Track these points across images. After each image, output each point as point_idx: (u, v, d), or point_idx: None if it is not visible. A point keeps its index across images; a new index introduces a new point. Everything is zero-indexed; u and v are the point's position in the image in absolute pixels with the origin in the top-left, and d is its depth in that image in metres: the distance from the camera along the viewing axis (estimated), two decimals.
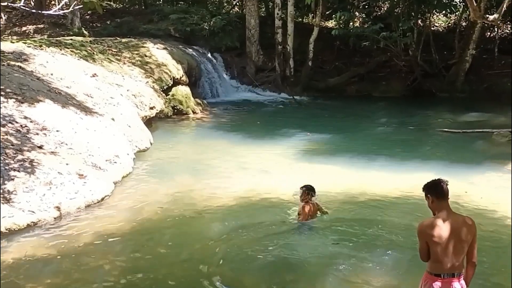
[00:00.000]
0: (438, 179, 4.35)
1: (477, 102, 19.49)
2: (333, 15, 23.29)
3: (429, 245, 4.19)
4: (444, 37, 24.32)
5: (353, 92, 22.71)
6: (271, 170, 10.70)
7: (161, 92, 15.66)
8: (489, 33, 24.12)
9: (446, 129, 15.01)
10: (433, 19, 25.08)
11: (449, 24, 25.84)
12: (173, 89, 16.84)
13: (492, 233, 7.35)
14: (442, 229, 4.16)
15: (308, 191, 7.79)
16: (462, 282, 4.26)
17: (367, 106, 20.15)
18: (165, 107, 15.64)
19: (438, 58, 22.46)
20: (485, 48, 23.17)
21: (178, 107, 16.46)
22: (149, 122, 13.77)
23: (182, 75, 17.69)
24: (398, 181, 9.81)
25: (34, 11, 15.78)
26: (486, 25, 21.95)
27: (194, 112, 16.93)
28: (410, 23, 20.98)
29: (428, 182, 4.38)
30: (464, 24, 24.33)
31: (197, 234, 7.55)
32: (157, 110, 14.47)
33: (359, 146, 13.24)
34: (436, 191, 4.29)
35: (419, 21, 22.97)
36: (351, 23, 24.06)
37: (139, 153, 11.24)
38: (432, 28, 24.18)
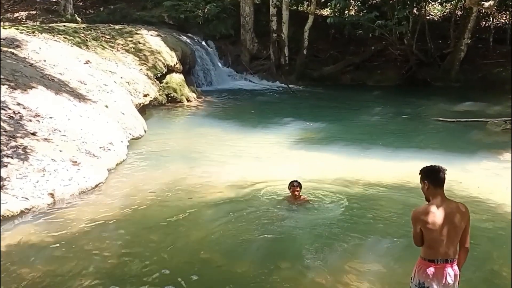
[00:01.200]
0: (437, 166, 4.34)
1: (471, 92, 19.53)
2: (328, 3, 23.22)
3: (423, 231, 4.21)
4: (439, 26, 24.31)
5: (348, 81, 22.72)
6: (265, 158, 10.71)
7: (155, 80, 15.60)
8: (484, 23, 24.14)
9: (440, 118, 15.05)
10: (428, 8, 25.06)
11: (445, 13, 25.82)
12: (167, 76, 16.79)
13: (486, 221, 7.40)
14: (436, 215, 4.18)
15: (291, 186, 7.98)
16: (455, 267, 4.30)
17: (362, 95, 20.19)
18: (159, 94, 15.59)
19: (433, 47, 22.48)
20: (480, 38, 23.22)
21: (172, 95, 16.41)
22: (143, 109, 13.72)
23: (176, 63, 17.61)
24: (392, 169, 9.85)
25: None
26: (481, 14, 21.99)
27: (188, 100, 16.88)
28: (405, 12, 20.94)
29: (426, 167, 4.38)
30: (459, 13, 24.32)
31: (191, 220, 7.54)
32: (151, 97, 14.42)
33: (353, 134, 13.26)
34: (433, 177, 4.29)
35: (415, 10, 22.97)
36: (346, 11, 23.99)
37: (133, 141, 11.21)
38: (428, 17, 24.19)
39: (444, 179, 4.28)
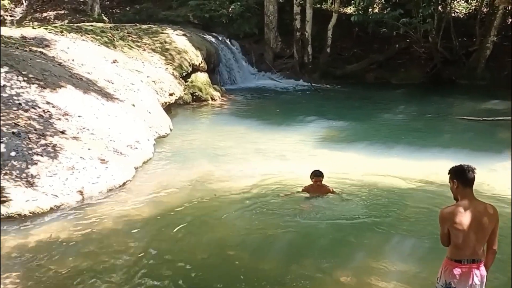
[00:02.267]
0: (467, 165, 4.31)
1: (497, 90, 19.24)
2: (352, 1, 23.10)
3: (450, 231, 4.20)
4: (464, 24, 24.00)
5: (372, 79, 22.59)
6: (289, 156, 10.75)
7: (181, 79, 15.76)
8: (510, 20, 23.73)
9: (466, 117, 14.90)
10: (453, 5, 24.75)
11: (470, 10, 25.47)
12: (192, 75, 16.94)
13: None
14: (464, 216, 4.17)
15: (314, 175, 8.09)
16: (482, 268, 4.28)
17: (386, 93, 20.05)
18: (185, 93, 15.74)
19: (459, 44, 22.21)
20: (506, 35, 22.81)
21: (197, 94, 16.54)
22: (168, 108, 13.88)
23: (201, 62, 17.75)
24: (417, 168, 9.80)
25: None
26: (507, 11, 21.65)
27: (212, 99, 17.00)
28: (430, 9, 20.69)
29: (456, 166, 4.36)
30: (485, 10, 23.97)
31: (216, 218, 7.63)
32: (176, 96, 14.57)
33: (377, 133, 13.21)
34: (463, 176, 4.26)
35: (440, 7, 22.67)
36: (370, 9, 23.83)
37: (159, 139, 11.37)
38: (453, 14, 23.87)
39: (473, 178, 4.26)
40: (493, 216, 4.25)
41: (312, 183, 8.16)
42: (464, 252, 4.21)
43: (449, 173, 4.37)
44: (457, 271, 4.23)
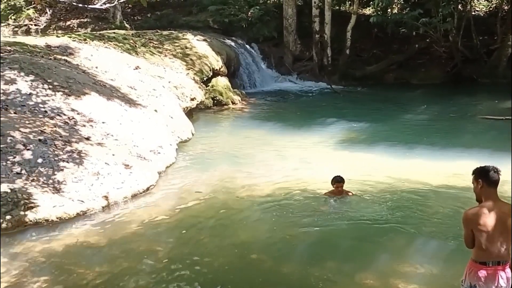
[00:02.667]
0: (492, 166, 4.30)
1: None
2: (371, 2, 22.96)
3: (474, 233, 4.19)
4: (485, 22, 23.69)
5: (392, 80, 22.45)
6: (310, 159, 10.76)
7: (201, 83, 15.90)
8: None
9: (488, 116, 14.74)
10: (473, 3, 24.48)
11: (490, 8, 25.16)
12: (213, 80, 17.07)
13: None
14: (488, 217, 4.15)
15: (335, 181, 8.16)
16: (508, 270, 4.26)
17: (406, 94, 19.92)
18: (205, 98, 15.87)
19: (479, 43, 21.94)
20: None
21: (218, 98, 16.65)
22: (190, 113, 14.02)
23: (222, 66, 17.88)
24: (439, 169, 9.74)
25: (79, 5, 16.14)
26: None
27: (233, 103, 17.10)
28: (450, 8, 20.47)
29: (481, 167, 4.34)
30: (506, 8, 23.67)
31: (239, 221, 7.71)
32: (197, 101, 14.71)
33: (398, 134, 13.13)
34: (487, 177, 4.24)
35: (459, 6, 22.45)
36: (389, 10, 23.70)
37: (181, 144, 11.49)
38: (473, 13, 23.62)
39: (498, 179, 4.25)
40: None
41: (333, 188, 8.21)
42: (489, 254, 4.19)
43: (473, 174, 4.36)
44: (482, 273, 4.21)
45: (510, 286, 4.29)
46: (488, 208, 4.19)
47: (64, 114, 9.58)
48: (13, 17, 23.70)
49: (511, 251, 4.29)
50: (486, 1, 25.22)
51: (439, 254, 6.35)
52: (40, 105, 9.53)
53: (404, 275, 5.95)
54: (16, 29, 23.11)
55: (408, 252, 6.54)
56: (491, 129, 13.66)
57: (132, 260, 6.44)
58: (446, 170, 9.60)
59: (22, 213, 7.19)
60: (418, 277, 5.90)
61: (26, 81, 10.03)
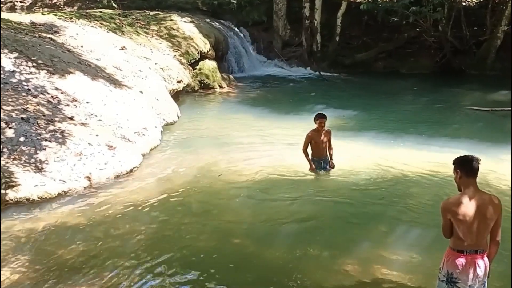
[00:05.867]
0: (471, 156, 4.32)
1: (508, 80, 19.00)
2: None
3: (453, 222, 4.19)
4: (475, 13, 23.70)
5: (381, 68, 22.47)
6: (296, 144, 10.65)
7: (188, 66, 15.76)
8: None
9: (475, 107, 14.81)
10: None
11: (481, 0, 25.18)
12: (200, 63, 16.93)
13: None
14: (468, 207, 4.16)
15: (318, 117, 8.54)
16: (486, 259, 4.28)
17: (395, 83, 19.96)
18: (192, 81, 15.75)
19: (469, 34, 21.98)
20: None
21: (205, 81, 16.55)
22: (176, 95, 13.90)
23: (209, 49, 17.73)
24: (425, 158, 9.76)
25: None
26: None
27: (220, 87, 17.00)
28: None
29: (460, 157, 4.35)
30: None
31: (223, 205, 7.68)
32: (184, 84, 14.58)
33: (385, 123, 13.15)
34: (466, 167, 4.25)
35: None
36: None
37: (167, 126, 11.40)
38: (463, 3, 23.60)
39: (477, 169, 4.25)
40: (497, 207, 4.23)
41: (317, 126, 8.43)
42: (467, 242, 4.20)
43: (453, 164, 4.36)
44: (459, 261, 4.22)
45: (487, 275, 4.32)
46: (467, 198, 4.19)
47: (48, 93, 9.45)
48: None
49: (488, 240, 4.29)
50: None
51: (420, 242, 6.37)
52: (24, 83, 9.38)
53: (385, 261, 5.97)
54: (1, 5, 22.67)
55: (390, 239, 6.56)
56: (478, 120, 13.74)
57: (113, 241, 6.39)
58: (431, 159, 9.62)
59: (2, 191, 7.11)
60: (398, 263, 5.92)
61: (9, 58, 9.87)
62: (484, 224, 4.20)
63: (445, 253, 4.36)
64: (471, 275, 4.24)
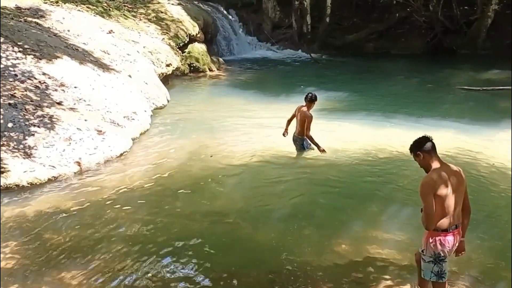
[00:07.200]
0: (422, 136, 4.33)
1: (499, 59, 19.06)
2: None
3: (436, 199, 4.09)
4: None
5: (371, 49, 22.43)
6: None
7: (177, 49, 15.63)
8: None
9: (466, 87, 14.84)
10: None
11: None
12: (189, 46, 16.79)
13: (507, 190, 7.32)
14: (447, 178, 4.12)
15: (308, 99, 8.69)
16: (460, 231, 4.31)
17: (386, 64, 19.94)
18: (182, 64, 15.62)
19: (460, 13, 21.95)
20: (508, 3, 22.52)
21: (194, 65, 16.44)
22: (165, 79, 13.79)
23: (198, 32, 17.57)
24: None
25: None
26: None
27: (210, 70, 16.89)
28: None
29: (414, 141, 4.34)
30: None
31: (214, 189, 7.64)
32: (173, 67, 14.46)
33: (376, 103, 13.16)
34: (426, 146, 4.24)
35: None
36: None
37: (156, 110, 11.33)
38: None
39: (434, 145, 4.26)
40: (463, 177, 4.25)
41: (312, 106, 8.68)
42: (449, 219, 4.17)
43: (411, 151, 4.35)
44: (446, 240, 4.21)
45: None
46: (442, 172, 4.15)
47: (35, 78, 9.33)
48: None
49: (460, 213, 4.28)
50: None
51: (411, 221, 6.36)
52: (10, 69, 9.25)
53: (377, 241, 5.99)
54: None
55: (381, 219, 6.58)
56: (469, 100, 13.79)
57: (104, 226, 6.35)
58: None
59: None
60: (390, 243, 5.94)
61: None
62: (459, 196, 4.19)
63: (425, 236, 4.31)
64: (453, 248, 4.30)
